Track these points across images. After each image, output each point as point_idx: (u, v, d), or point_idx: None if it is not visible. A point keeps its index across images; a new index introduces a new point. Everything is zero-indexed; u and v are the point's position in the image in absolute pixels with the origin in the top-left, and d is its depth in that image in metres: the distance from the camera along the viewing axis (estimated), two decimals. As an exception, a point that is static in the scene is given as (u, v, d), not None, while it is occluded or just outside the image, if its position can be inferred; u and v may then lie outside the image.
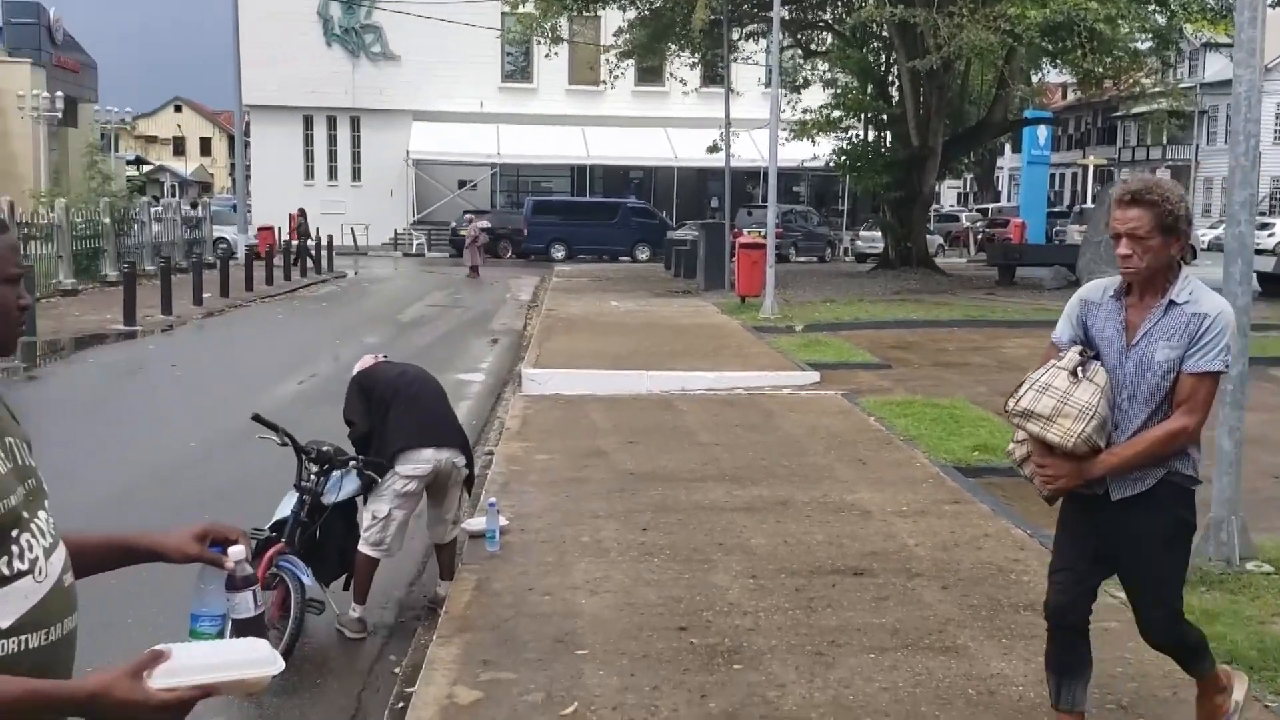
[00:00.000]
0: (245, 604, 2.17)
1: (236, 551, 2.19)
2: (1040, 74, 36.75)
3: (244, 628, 2.17)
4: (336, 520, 5.97)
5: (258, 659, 1.95)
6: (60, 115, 48.49)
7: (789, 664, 5.14)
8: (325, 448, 5.92)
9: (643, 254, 40.18)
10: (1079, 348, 3.98)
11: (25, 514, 2.03)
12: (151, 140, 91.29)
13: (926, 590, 6.12)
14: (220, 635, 2.17)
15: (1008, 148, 59.23)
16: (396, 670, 5.60)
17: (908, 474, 8.67)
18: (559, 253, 40.15)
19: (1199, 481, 3.98)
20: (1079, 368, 3.89)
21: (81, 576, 2.30)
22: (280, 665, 1.99)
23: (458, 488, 6.33)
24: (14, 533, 1.99)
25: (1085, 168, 64.55)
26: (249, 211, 40.44)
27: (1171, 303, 3.82)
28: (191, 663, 1.88)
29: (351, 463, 5.93)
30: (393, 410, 6.01)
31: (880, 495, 7.99)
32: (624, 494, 8.14)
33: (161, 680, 1.84)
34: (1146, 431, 3.82)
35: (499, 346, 17.91)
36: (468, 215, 37.36)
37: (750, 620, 5.69)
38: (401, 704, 4.99)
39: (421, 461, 5.94)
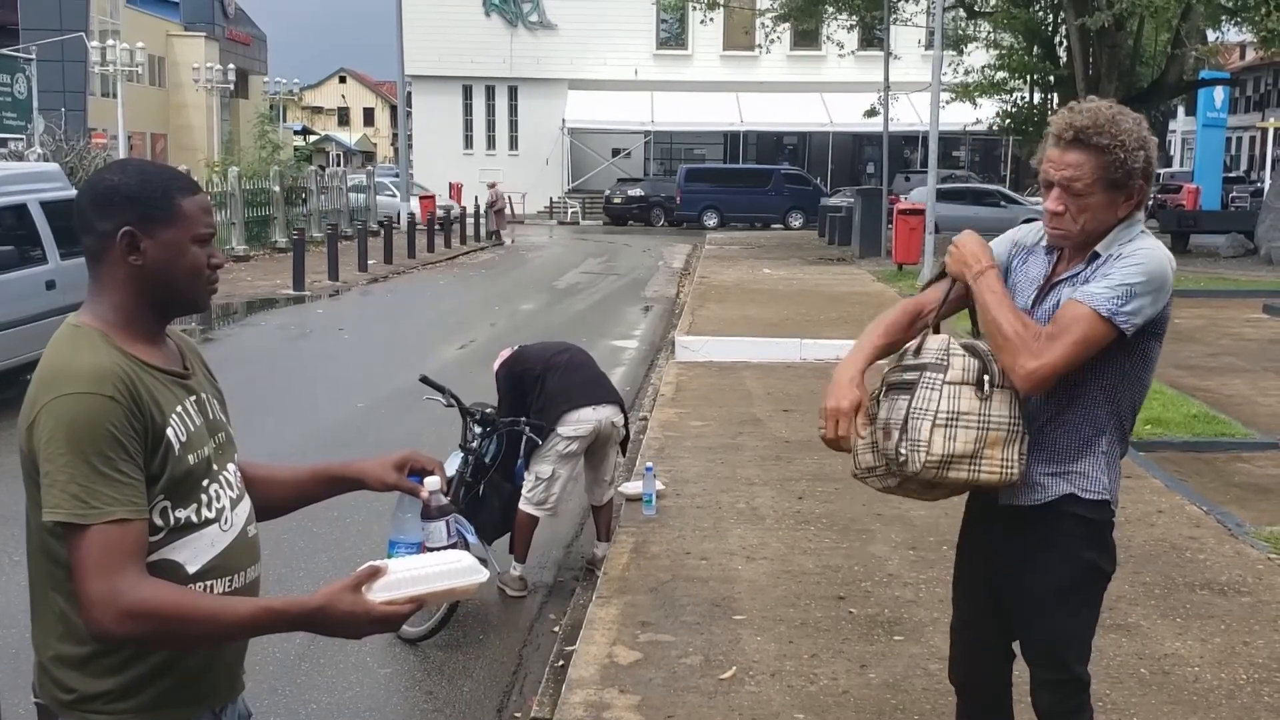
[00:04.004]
0: (439, 533, 2.22)
1: (432, 482, 2.26)
2: (1219, 33, 34.95)
3: None
4: (499, 480, 6.07)
5: (464, 569, 2.06)
6: (232, 87, 50.56)
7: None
8: (489, 409, 6.01)
9: (796, 221, 39.76)
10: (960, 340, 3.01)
11: (215, 466, 2.12)
12: (317, 111, 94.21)
13: (1096, 566, 5.91)
14: None
15: (1180, 110, 56.62)
16: (556, 629, 5.68)
17: (1075, 447, 8.39)
18: (711, 220, 40.02)
19: (1112, 511, 3.03)
20: (985, 377, 2.89)
21: (297, 508, 2.44)
22: (485, 575, 2.10)
23: (615, 448, 6.38)
24: (204, 483, 2.08)
25: (1264, 131, 61.30)
26: (411, 180, 41.38)
27: (1095, 254, 2.90)
28: (405, 576, 1.98)
29: (517, 424, 6.00)
30: (549, 379, 6.06)
31: (1046, 468, 7.74)
32: (779, 462, 8.09)
33: (381, 594, 1.95)
34: (1020, 313, 2.88)
35: (652, 313, 17.96)
36: (490, 183, 37.19)
37: (911, 592, 5.59)
38: (562, 662, 5.06)
39: (582, 422, 5.99)
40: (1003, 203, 33.39)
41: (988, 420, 2.87)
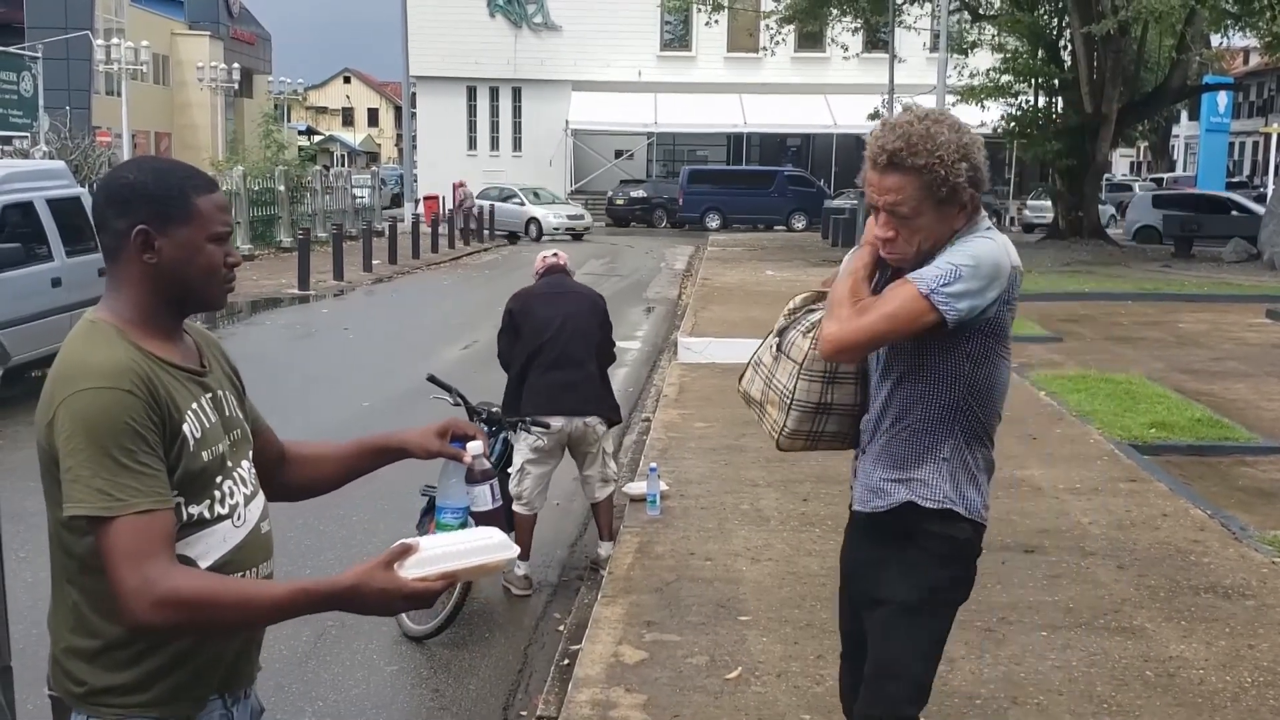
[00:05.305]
0: (484, 497, 2.25)
1: (474, 447, 2.28)
2: (1224, 38, 34.93)
3: (483, 520, 2.24)
4: (503, 479, 6.07)
5: (493, 545, 2.07)
6: (236, 86, 50.56)
7: (957, 639, 5.01)
8: (495, 409, 6.02)
9: (799, 223, 39.78)
10: (806, 294, 3.03)
11: (229, 462, 2.13)
12: (321, 111, 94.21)
13: (1101, 569, 5.93)
14: (463, 527, 2.25)
15: (1184, 115, 56.65)
16: (561, 628, 5.69)
17: (1080, 450, 8.41)
18: (714, 222, 40.05)
19: (971, 524, 2.82)
20: (779, 338, 2.97)
21: (345, 483, 2.46)
22: (515, 550, 2.11)
23: (598, 447, 6.28)
24: (218, 479, 2.09)
25: (1268, 136, 61.25)
26: (415, 181, 41.41)
27: (933, 256, 2.74)
28: (436, 553, 2.00)
29: (519, 422, 6.01)
30: (531, 370, 6.06)
31: (1052, 471, 7.76)
32: (783, 463, 8.08)
33: (413, 570, 1.95)
34: (863, 290, 2.74)
35: (655, 315, 17.99)
36: (457, 182, 37.45)
37: (916, 593, 5.59)
38: (567, 661, 5.08)
39: (551, 424, 6.00)
40: (1234, 212, 28.55)
41: (771, 378, 3.01)
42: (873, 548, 2.90)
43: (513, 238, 35.00)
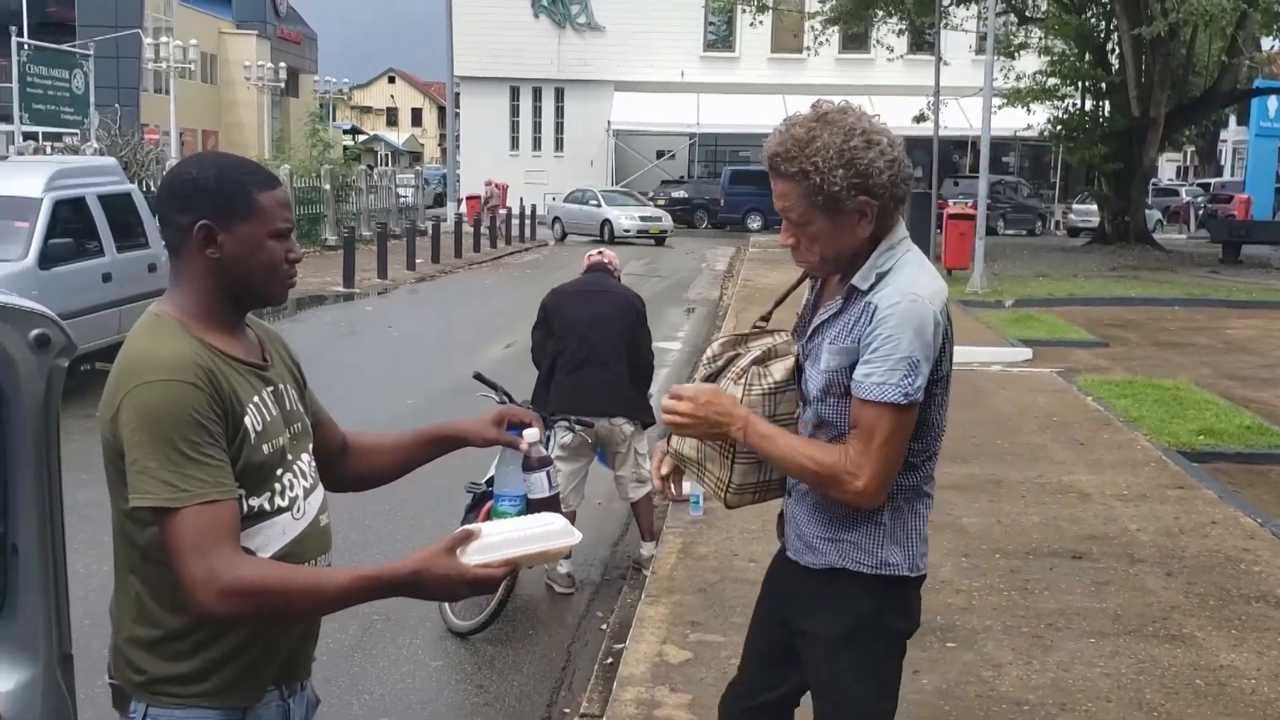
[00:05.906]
0: (540, 484, 2.25)
1: (531, 434, 2.29)
2: (1276, 41, 34.44)
3: (539, 507, 2.24)
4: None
5: (555, 531, 2.07)
6: (283, 85, 51.00)
7: (1005, 645, 5.01)
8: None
9: (842, 225, 39.51)
10: (725, 338, 2.90)
11: (290, 455, 2.15)
12: (366, 110, 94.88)
13: (1150, 576, 5.86)
14: (520, 514, 2.25)
15: (1232, 119, 55.86)
16: (604, 626, 5.70)
17: (1128, 456, 8.32)
18: (755, 223, 39.87)
19: (905, 578, 2.65)
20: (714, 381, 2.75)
21: (405, 473, 2.50)
22: (578, 537, 2.11)
23: (626, 446, 6.22)
24: (278, 471, 2.11)
25: (1320, 140, 60.34)
26: (458, 181, 41.60)
27: (853, 288, 2.58)
28: (499, 539, 2.00)
29: (562, 421, 6.01)
30: (558, 370, 6.06)
31: (1099, 477, 7.69)
32: (827, 465, 8.05)
33: (475, 557, 1.96)
34: (810, 442, 2.59)
35: (695, 316, 17.96)
36: (486, 180, 37.18)
37: (963, 599, 5.56)
38: (610, 659, 5.08)
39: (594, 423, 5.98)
40: None
41: None
42: (803, 592, 2.75)
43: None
